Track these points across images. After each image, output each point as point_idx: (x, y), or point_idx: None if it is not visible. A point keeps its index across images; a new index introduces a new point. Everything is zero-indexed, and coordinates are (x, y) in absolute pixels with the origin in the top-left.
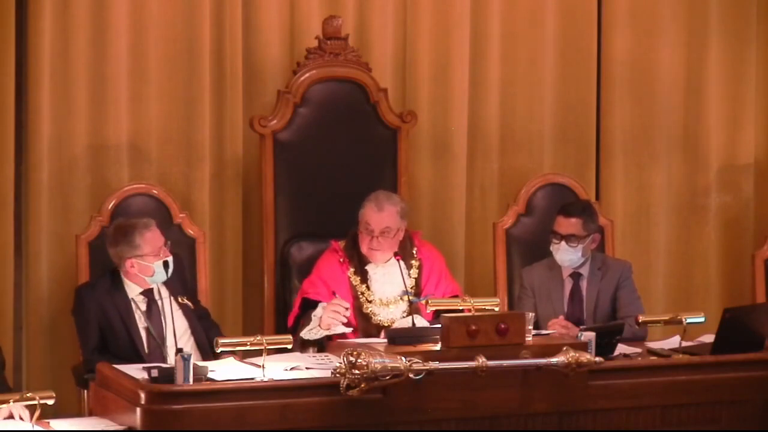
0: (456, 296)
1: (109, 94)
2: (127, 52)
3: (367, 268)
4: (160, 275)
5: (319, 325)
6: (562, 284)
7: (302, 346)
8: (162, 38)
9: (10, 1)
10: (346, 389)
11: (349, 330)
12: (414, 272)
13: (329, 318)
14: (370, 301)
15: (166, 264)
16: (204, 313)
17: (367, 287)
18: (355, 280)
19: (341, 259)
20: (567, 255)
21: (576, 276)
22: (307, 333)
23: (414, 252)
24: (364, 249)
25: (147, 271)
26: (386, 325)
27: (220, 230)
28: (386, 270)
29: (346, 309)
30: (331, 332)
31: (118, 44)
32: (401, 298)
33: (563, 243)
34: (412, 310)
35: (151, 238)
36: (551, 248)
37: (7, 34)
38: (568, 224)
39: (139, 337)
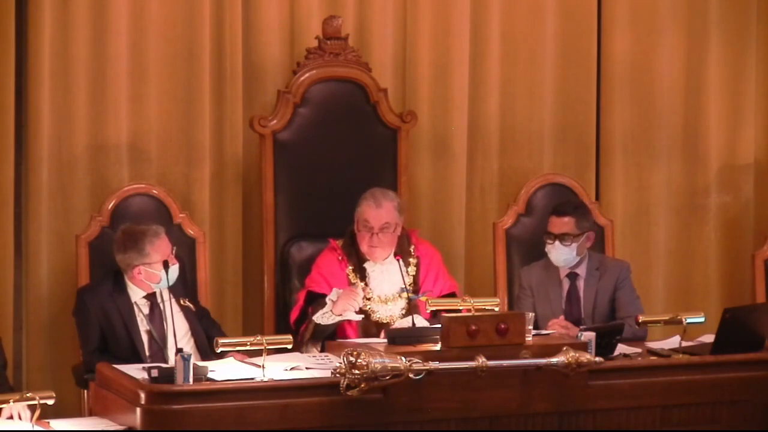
0: (453, 293)
1: (109, 94)
2: (127, 52)
3: (365, 265)
4: (166, 282)
5: (332, 310)
6: (560, 284)
7: (311, 337)
8: (162, 38)
9: (10, 1)
10: (346, 389)
11: (360, 317)
12: (412, 270)
13: (345, 303)
14: (368, 299)
15: (172, 271)
16: (204, 312)
17: (366, 285)
18: (354, 277)
19: (339, 257)
20: (562, 254)
21: (573, 276)
22: (321, 317)
23: (411, 250)
24: (363, 247)
25: (154, 279)
26: (385, 322)
27: (220, 230)
28: (384, 267)
29: (362, 297)
30: (343, 318)
31: (118, 44)
32: (400, 295)
33: (557, 242)
34: (411, 307)
35: (160, 246)
36: (546, 249)
37: (7, 34)
38: (561, 223)
39: (140, 340)
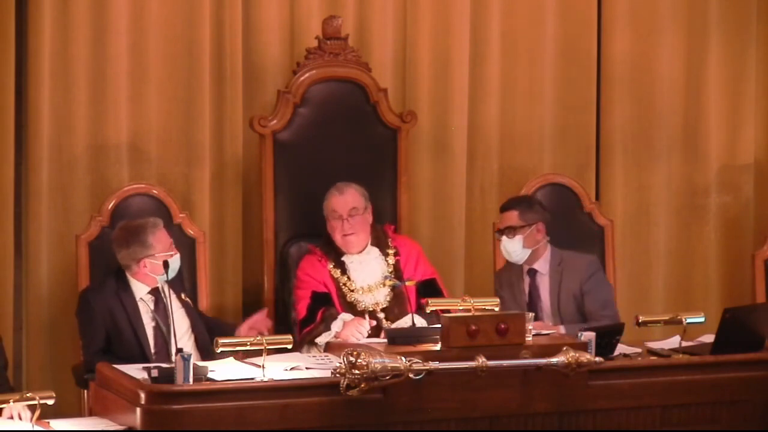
0: (434, 279)
1: (109, 94)
2: (127, 52)
3: (343, 259)
4: (171, 272)
5: (336, 337)
6: (522, 284)
7: (310, 343)
8: (162, 38)
9: (10, 1)
10: (346, 389)
11: (366, 341)
12: (391, 259)
13: (349, 334)
14: (352, 290)
15: (174, 260)
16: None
17: (348, 277)
18: (336, 273)
19: (319, 259)
20: (510, 248)
21: (532, 272)
22: (323, 340)
23: (389, 242)
24: (338, 239)
25: (158, 270)
26: (371, 310)
27: (220, 230)
28: (362, 258)
29: (367, 330)
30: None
31: (118, 44)
32: (383, 283)
33: (504, 237)
34: (396, 293)
35: (161, 237)
36: (500, 248)
37: (7, 34)
38: (505, 218)
39: (145, 338)
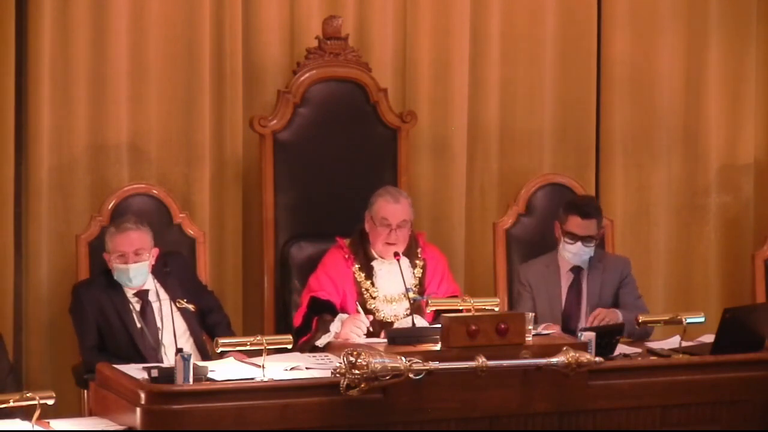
0: (455, 296)
1: (109, 94)
2: (127, 52)
3: (372, 264)
4: (121, 278)
5: (335, 338)
6: (560, 282)
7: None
8: (162, 38)
9: (10, 1)
10: (346, 389)
11: (365, 340)
12: (418, 272)
13: (348, 331)
14: (373, 298)
15: (133, 269)
16: (215, 305)
17: (372, 284)
18: (360, 276)
19: (346, 256)
20: (582, 254)
21: (576, 270)
22: (323, 343)
23: (419, 252)
24: (379, 245)
25: (117, 272)
26: (389, 321)
27: (220, 230)
28: (392, 267)
29: (366, 325)
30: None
31: (118, 44)
32: (405, 296)
33: (579, 244)
34: (414, 308)
35: (118, 242)
36: (563, 247)
37: (7, 34)
38: (586, 225)
39: (138, 334)
